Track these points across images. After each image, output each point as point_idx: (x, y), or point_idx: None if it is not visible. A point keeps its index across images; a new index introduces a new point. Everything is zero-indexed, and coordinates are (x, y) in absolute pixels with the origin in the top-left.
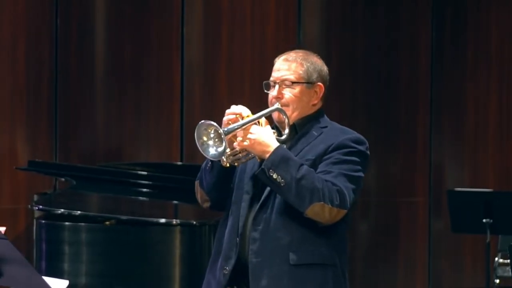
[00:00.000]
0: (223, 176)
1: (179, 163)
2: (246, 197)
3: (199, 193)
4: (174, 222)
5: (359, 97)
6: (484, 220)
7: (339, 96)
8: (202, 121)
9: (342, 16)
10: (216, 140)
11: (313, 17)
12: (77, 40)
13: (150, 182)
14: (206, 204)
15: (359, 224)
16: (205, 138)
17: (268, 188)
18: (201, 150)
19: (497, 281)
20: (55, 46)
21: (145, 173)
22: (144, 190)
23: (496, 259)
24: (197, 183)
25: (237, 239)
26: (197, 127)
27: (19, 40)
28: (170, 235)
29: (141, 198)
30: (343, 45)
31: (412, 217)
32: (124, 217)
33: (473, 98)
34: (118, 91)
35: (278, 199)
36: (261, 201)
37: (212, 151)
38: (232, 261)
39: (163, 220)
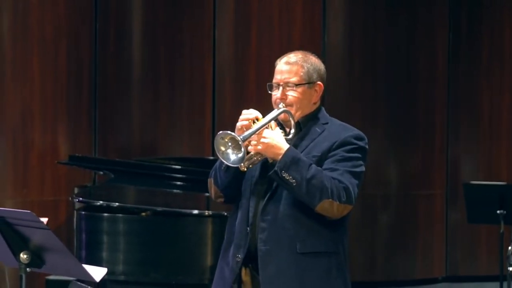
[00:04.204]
0: (238, 174)
1: (211, 157)
2: (255, 190)
3: (213, 190)
4: (207, 213)
5: (381, 95)
6: (498, 212)
7: (361, 95)
8: (219, 132)
9: (364, 19)
10: (234, 147)
11: (337, 20)
12: (115, 42)
13: (184, 176)
14: (220, 200)
15: (381, 215)
16: (222, 148)
17: (275, 181)
18: (222, 160)
19: (510, 269)
20: (94, 47)
21: (179, 167)
22: (178, 183)
23: (510, 248)
24: (210, 180)
25: (248, 229)
26: (215, 139)
27: (60, 42)
28: (202, 226)
29: (175, 190)
30: (365, 46)
31: (430, 209)
32: (159, 209)
33: (487, 96)
34: (153, 90)
35: (286, 191)
36: (269, 193)
37: (232, 158)
38: (244, 250)
39: (196, 212)
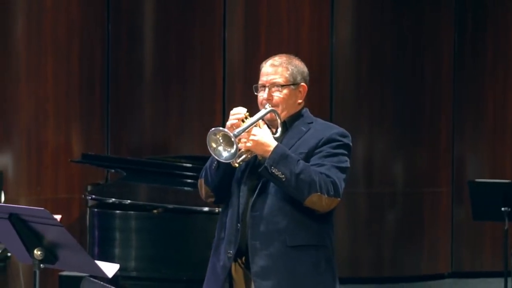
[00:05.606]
0: (228, 173)
1: None
2: (243, 188)
3: (204, 190)
4: (217, 210)
5: (387, 95)
6: (502, 209)
7: (368, 94)
8: (212, 128)
9: (371, 20)
10: (226, 144)
11: (345, 21)
12: (127, 43)
13: (194, 174)
14: (211, 199)
15: (387, 213)
16: (214, 145)
17: (263, 178)
18: (214, 156)
19: None
20: (107, 48)
21: (189, 165)
22: (189, 181)
23: None
24: (201, 180)
25: (238, 225)
26: (207, 135)
27: (73, 43)
28: (213, 223)
29: (185, 188)
30: (373, 46)
31: (436, 206)
32: (170, 206)
33: (492, 96)
34: (164, 90)
35: (274, 187)
36: (257, 190)
37: (225, 154)
38: (235, 245)
39: (206, 209)
